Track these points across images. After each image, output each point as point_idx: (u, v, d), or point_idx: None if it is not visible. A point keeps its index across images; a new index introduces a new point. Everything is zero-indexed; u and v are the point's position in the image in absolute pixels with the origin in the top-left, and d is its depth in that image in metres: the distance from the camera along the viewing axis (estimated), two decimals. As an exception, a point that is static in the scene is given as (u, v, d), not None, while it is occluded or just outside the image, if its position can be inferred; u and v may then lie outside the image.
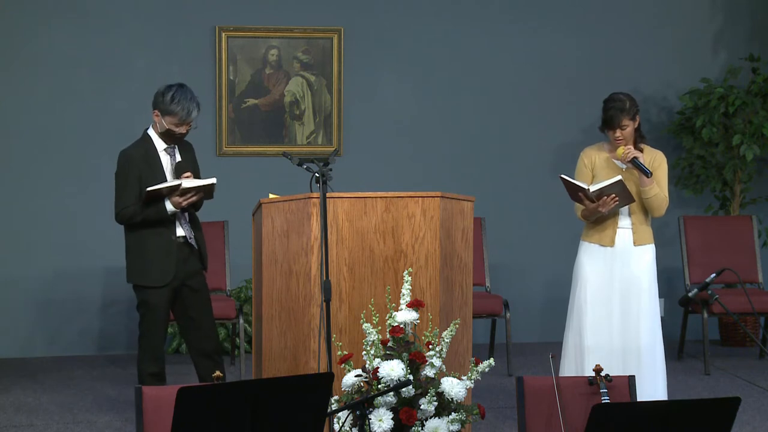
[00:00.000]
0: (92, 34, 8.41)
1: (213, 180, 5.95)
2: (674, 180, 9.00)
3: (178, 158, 6.08)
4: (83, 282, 8.41)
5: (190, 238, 6.04)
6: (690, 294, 4.84)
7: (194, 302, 6.10)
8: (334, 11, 8.66)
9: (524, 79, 8.88)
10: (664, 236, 9.05)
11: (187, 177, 5.97)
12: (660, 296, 9.02)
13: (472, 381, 4.83)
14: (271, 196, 5.80)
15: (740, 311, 7.65)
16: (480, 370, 4.81)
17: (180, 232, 6.03)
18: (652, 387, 5.87)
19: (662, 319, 8.96)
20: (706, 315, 7.82)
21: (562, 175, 5.91)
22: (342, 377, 4.85)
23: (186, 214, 6.06)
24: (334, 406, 4.73)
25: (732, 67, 8.82)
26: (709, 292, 4.90)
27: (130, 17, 8.45)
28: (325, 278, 4.99)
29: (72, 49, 8.39)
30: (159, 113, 5.98)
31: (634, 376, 4.83)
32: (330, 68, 8.65)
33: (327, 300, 4.98)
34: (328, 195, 5.21)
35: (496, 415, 6.56)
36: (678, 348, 8.28)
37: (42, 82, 8.36)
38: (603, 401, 4.55)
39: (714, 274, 4.89)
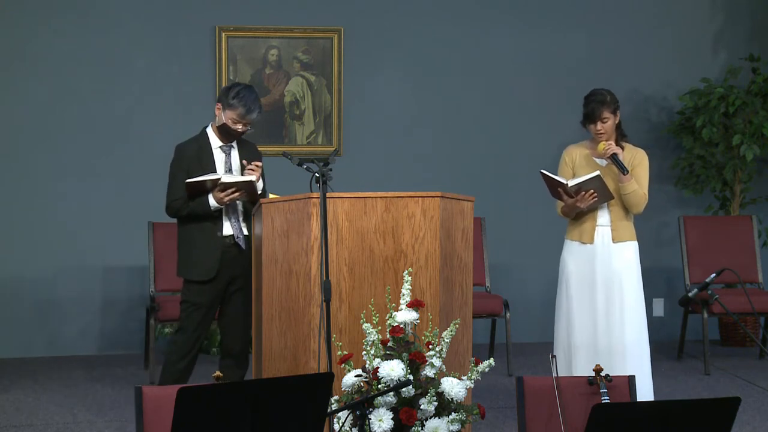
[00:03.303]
0: (92, 34, 8.42)
1: (252, 177, 5.86)
2: (674, 180, 9.00)
3: (234, 157, 6.06)
4: (83, 282, 8.41)
5: (238, 237, 5.99)
6: (690, 294, 4.83)
7: (236, 301, 6.05)
8: (334, 11, 8.66)
9: (524, 79, 8.88)
10: (664, 236, 9.06)
11: (257, 166, 5.91)
12: (660, 296, 9.13)
13: (472, 381, 4.83)
14: (271, 196, 5.80)
15: (740, 311, 7.65)
16: (480, 370, 4.81)
17: (228, 230, 5.98)
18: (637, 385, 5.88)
19: (662, 319, 9.07)
20: (706, 315, 7.82)
21: (543, 171, 5.97)
22: (342, 377, 4.85)
23: (239, 212, 6.01)
24: (334, 406, 4.73)
25: (732, 67, 8.82)
26: (709, 292, 4.90)
27: (130, 17, 8.45)
28: (325, 278, 4.99)
29: (72, 49, 8.39)
30: (221, 107, 5.98)
31: (634, 376, 4.84)
32: (330, 68, 8.65)
33: (327, 300, 4.98)
34: (328, 195, 5.21)
35: (496, 415, 6.56)
36: (678, 348, 8.28)
37: (42, 82, 8.36)
38: (603, 401, 4.55)
39: (714, 274, 4.89)
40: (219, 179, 5.85)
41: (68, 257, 8.40)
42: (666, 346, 8.68)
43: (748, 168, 8.73)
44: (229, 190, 5.86)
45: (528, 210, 8.82)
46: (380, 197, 5.37)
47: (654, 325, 9.01)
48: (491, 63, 8.86)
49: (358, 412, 3.94)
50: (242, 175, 5.97)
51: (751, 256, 8.31)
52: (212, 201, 5.89)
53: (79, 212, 8.40)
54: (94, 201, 8.42)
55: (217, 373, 4.16)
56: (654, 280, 9.04)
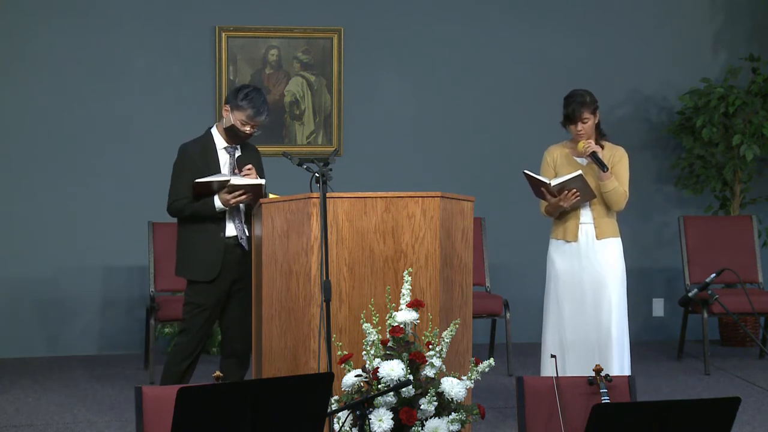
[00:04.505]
0: (92, 34, 8.42)
1: (262, 181, 5.85)
2: (674, 180, 9.00)
3: (239, 158, 6.04)
4: (83, 282, 8.41)
5: (242, 239, 5.96)
6: (690, 294, 4.83)
7: (238, 301, 6.04)
8: (334, 11, 8.66)
9: (524, 79, 8.88)
10: (664, 236, 9.06)
11: (249, 170, 5.93)
12: (660, 296, 9.13)
13: (472, 381, 4.83)
14: (271, 196, 5.80)
15: (740, 311, 7.65)
16: (480, 370, 4.81)
17: (231, 231, 5.95)
18: None
19: (662, 319, 9.08)
20: (706, 315, 7.81)
21: (526, 171, 6.04)
22: (342, 377, 4.85)
23: (242, 214, 5.99)
24: (334, 406, 4.73)
25: (732, 67, 8.82)
26: (709, 292, 4.90)
27: (130, 17, 8.45)
28: (325, 278, 4.99)
29: (72, 49, 8.39)
30: (229, 108, 5.95)
31: (634, 376, 4.84)
32: (330, 68, 8.65)
33: (327, 300, 4.98)
34: (328, 195, 5.21)
35: (496, 415, 6.56)
36: (678, 348, 8.27)
37: (42, 82, 8.36)
38: (603, 401, 4.55)
39: (714, 274, 4.89)
40: (228, 181, 5.84)
41: (68, 257, 8.40)
42: (666, 346, 8.68)
43: (748, 168, 8.72)
44: (237, 192, 5.85)
45: (528, 210, 8.78)
46: (380, 197, 5.37)
47: (654, 325, 9.05)
48: (491, 63, 8.86)
49: (358, 412, 3.94)
50: (238, 168, 5.97)
51: (751, 256, 8.30)
52: (218, 203, 5.88)
53: (79, 212, 8.40)
54: (94, 201, 8.42)
55: (217, 373, 4.16)
56: (654, 280, 9.05)
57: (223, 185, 5.84)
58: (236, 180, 5.85)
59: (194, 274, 5.98)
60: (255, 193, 5.85)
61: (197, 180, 5.85)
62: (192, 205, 5.92)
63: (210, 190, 5.87)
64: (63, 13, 8.38)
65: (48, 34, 8.36)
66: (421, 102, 8.80)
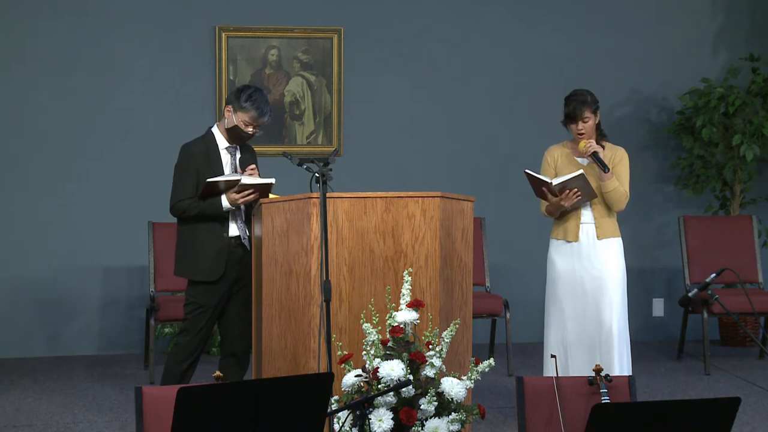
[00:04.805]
0: (92, 34, 8.41)
1: (272, 180, 5.86)
2: (674, 180, 9.00)
3: (239, 158, 6.04)
4: (83, 282, 8.41)
5: (244, 239, 5.96)
6: (690, 294, 4.83)
7: (238, 301, 6.05)
8: (334, 11, 8.66)
9: (524, 79, 8.88)
10: (664, 236, 9.06)
11: (252, 170, 5.94)
12: (660, 296, 9.13)
13: (472, 381, 4.83)
14: (271, 196, 5.80)
15: (740, 311, 7.65)
16: (480, 370, 4.81)
17: (234, 231, 5.96)
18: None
19: (662, 319, 9.08)
20: (706, 315, 7.82)
21: (527, 170, 6.05)
22: (342, 377, 4.85)
23: (242, 213, 6.00)
24: (334, 406, 4.73)
25: (732, 67, 8.82)
26: (709, 292, 4.90)
27: (130, 17, 8.45)
28: (325, 278, 4.99)
29: (72, 49, 8.39)
30: (232, 109, 5.94)
31: (634, 376, 4.84)
32: (330, 68, 8.65)
33: (327, 300, 4.98)
34: (328, 195, 5.21)
35: (496, 415, 6.56)
36: (678, 348, 8.27)
37: (42, 82, 8.36)
38: (603, 401, 4.55)
39: (714, 274, 4.89)
40: (238, 180, 5.84)
41: (68, 257, 8.39)
42: (666, 346, 8.68)
43: (748, 168, 8.72)
44: (246, 192, 5.85)
45: (528, 210, 8.79)
46: (380, 197, 5.37)
47: (654, 325, 9.05)
48: (491, 63, 8.86)
49: (358, 412, 3.94)
50: (242, 169, 5.98)
51: (751, 256, 8.30)
52: (225, 202, 5.88)
53: (79, 212, 8.40)
54: (94, 201, 8.42)
55: (217, 373, 4.16)
56: (654, 280, 9.05)
57: (232, 185, 5.85)
58: (247, 179, 5.85)
59: (197, 274, 5.98)
60: (263, 192, 5.87)
61: (209, 179, 5.85)
62: (198, 204, 5.92)
63: (217, 189, 5.87)
64: (63, 13, 8.38)
65: (48, 34, 8.36)
66: (421, 102, 8.80)
